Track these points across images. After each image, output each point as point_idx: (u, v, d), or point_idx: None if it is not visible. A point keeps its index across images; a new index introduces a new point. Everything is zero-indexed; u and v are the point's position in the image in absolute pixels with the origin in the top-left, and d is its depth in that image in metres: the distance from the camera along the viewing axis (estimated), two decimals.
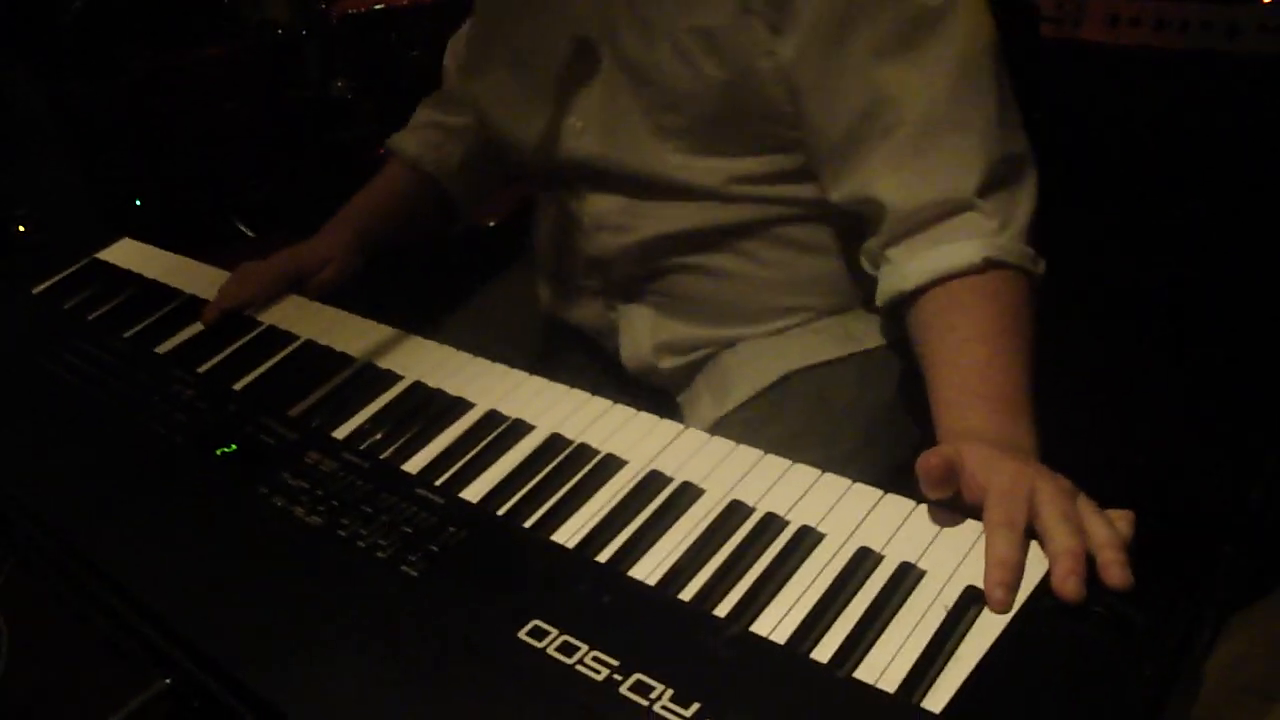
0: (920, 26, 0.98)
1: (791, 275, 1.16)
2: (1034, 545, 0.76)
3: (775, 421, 1.12)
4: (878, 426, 1.13)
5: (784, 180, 1.11)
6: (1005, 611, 0.71)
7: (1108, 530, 0.74)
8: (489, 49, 1.27)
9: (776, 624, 0.73)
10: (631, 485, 0.88)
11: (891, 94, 0.99)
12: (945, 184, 0.99)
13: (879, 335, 1.18)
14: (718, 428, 1.12)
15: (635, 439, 0.93)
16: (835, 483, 0.84)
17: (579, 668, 0.70)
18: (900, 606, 0.73)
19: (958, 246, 0.97)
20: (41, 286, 1.39)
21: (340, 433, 1.00)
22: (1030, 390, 0.92)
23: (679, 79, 1.06)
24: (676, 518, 0.84)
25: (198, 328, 1.22)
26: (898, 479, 0.85)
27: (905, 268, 1.00)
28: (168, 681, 0.85)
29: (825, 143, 1.05)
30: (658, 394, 1.26)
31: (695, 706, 0.66)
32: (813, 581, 0.76)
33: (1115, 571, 0.71)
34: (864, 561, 0.77)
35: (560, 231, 1.25)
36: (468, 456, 0.94)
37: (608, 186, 1.17)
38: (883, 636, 0.71)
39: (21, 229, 2.13)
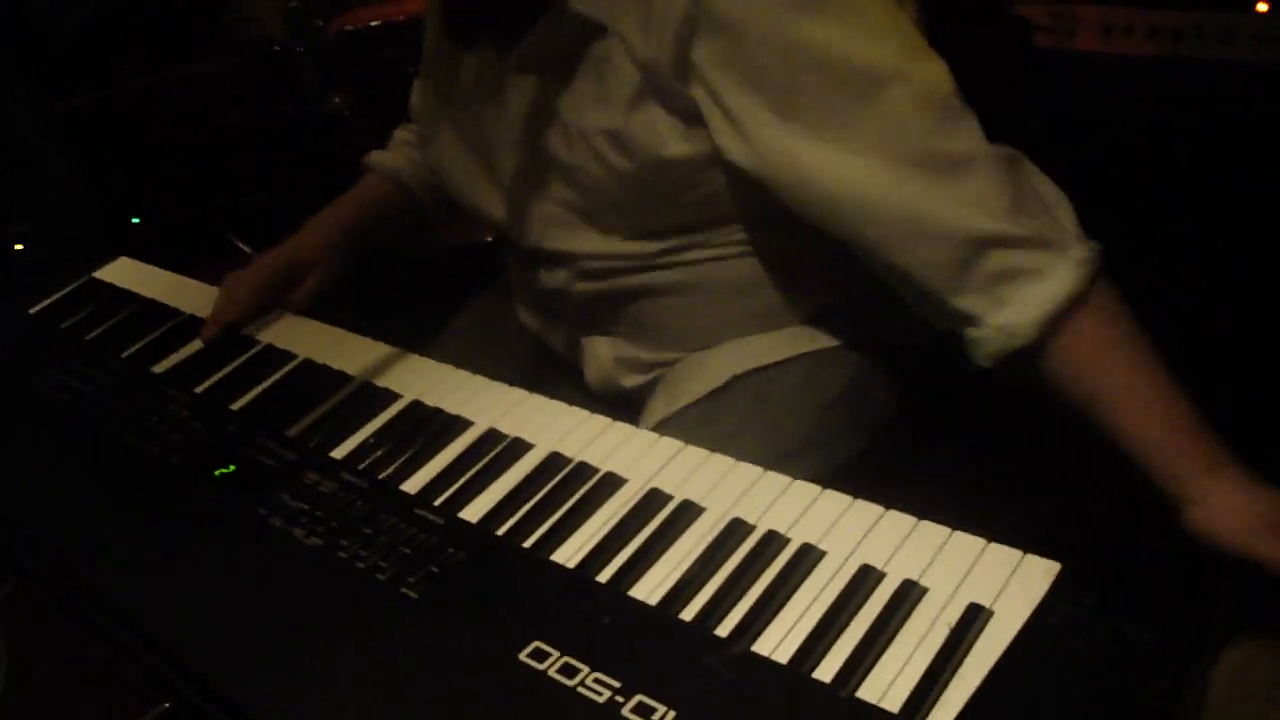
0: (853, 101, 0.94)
1: (751, 299, 1.17)
2: (1031, 558, 0.75)
3: (717, 420, 1.13)
4: (820, 426, 1.14)
5: (723, 234, 1.12)
6: None
7: None
8: (437, 123, 1.29)
9: (778, 643, 0.73)
10: (631, 504, 0.87)
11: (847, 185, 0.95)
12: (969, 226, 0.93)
13: (828, 337, 1.18)
14: (664, 427, 1.13)
15: (634, 457, 0.92)
16: (836, 499, 0.84)
17: (581, 690, 0.70)
18: (903, 625, 0.73)
19: (1047, 282, 0.91)
20: (39, 306, 1.39)
21: (339, 452, 1.00)
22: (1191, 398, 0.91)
23: (595, 175, 1.08)
24: (677, 536, 0.84)
25: (195, 347, 1.21)
26: (837, 479, 0.85)
27: (1006, 321, 0.93)
28: (167, 705, 0.84)
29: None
30: (630, 408, 1.26)
31: None
32: (814, 600, 0.76)
33: None
34: (866, 579, 0.76)
35: (521, 264, 1.28)
36: (467, 476, 0.94)
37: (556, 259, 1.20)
38: (885, 655, 0.71)
39: (19, 247, 2.13)
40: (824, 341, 1.17)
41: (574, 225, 1.15)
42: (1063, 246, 0.92)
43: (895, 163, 0.93)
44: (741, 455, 0.88)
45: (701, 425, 1.12)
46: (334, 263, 1.34)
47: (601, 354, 1.25)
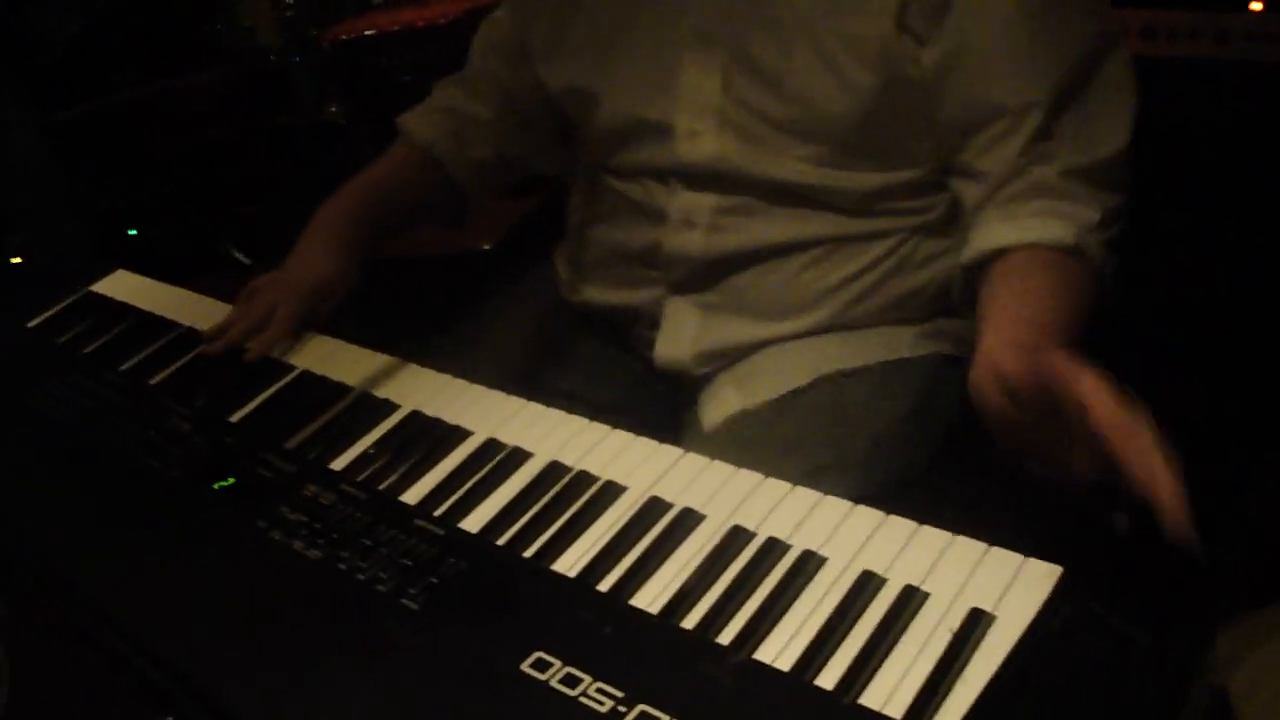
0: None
1: (862, 285, 1.16)
2: (1033, 562, 0.75)
3: (788, 420, 1.11)
4: (887, 438, 1.12)
5: (907, 195, 1.11)
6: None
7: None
8: (567, 31, 1.20)
9: (780, 651, 0.73)
10: (632, 512, 0.87)
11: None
12: (1067, 157, 1.01)
13: (909, 345, 1.17)
14: (739, 419, 1.11)
15: (634, 465, 0.92)
16: (837, 505, 0.84)
17: (583, 699, 0.70)
18: (905, 631, 0.73)
19: (1056, 222, 0.99)
20: (36, 320, 1.39)
21: (338, 464, 1.00)
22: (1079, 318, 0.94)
23: (819, 87, 1.03)
24: (678, 544, 0.83)
25: (194, 360, 1.21)
26: (900, 492, 0.84)
27: (1000, 228, 1.01)
28: (170, 718, 0.84)
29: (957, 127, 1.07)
30: (674, 384, 1.24)
31: None
32: (816, 607, 0.76)
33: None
34: (867, 585, 0.76)
35: (625, 218, 1.21)
36: (467, 486, 0.94)
37: (712, 187, 1.13)
38: (888, 661, 0.71)
39: (16, 260, 2.13)
40: (900, 350, 1.17)
41: (767, 139, 1.08)
42: (1092, 229, 0.99)
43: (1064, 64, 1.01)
44: (805, 460, 0.88)
45: (771, 424, 1.10)
46: (351, 278, 1.25)
47: (684, 329, 1.20)
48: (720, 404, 1.15)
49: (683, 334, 1.20)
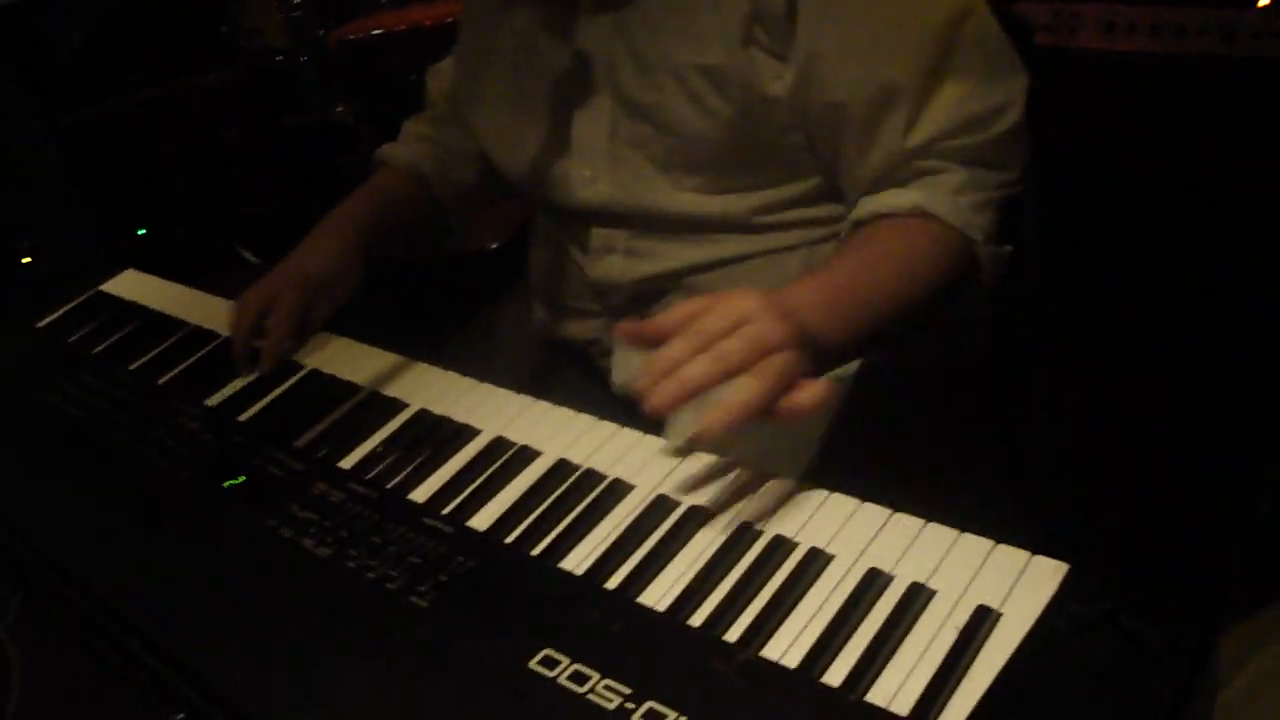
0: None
1: None
2: (1039, 560, 0.75)
3: (743, 438, 1.12)
4: (853, 444, 1.12)
5: (800, 205, 1.12)
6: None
7: (737, 392, 0.78)
8: (482, 85, 1.26)
9: (787, 648, 0.73)
10: (639, 510, 0.88)
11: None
12: (904, 140, 1.03)
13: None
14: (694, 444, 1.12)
15: (642, 463, 0.93)
16: (843, 503, 0.84)
17: (591, 697, 0.70)
18: (911, 628, 0.73)
19: (902, 192, 1.02)
20: (46, 320, 1.40)
21: (347, 462, 1.00)
22: (874, 309, 0.95)
23: (688, 119, 1.06)
24: (684, 542, 0.84)
25: (203, 359, 1.22)
26: (863, 492, 0.85)
27: (858, 209, 1.04)
28: (181, 716, 0.85)
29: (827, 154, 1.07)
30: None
31: None
32: (823, 604, 0.76)
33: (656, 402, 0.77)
34: (874, 583, 0.77)
35: (561, 254, 1.25)
36: (475, 484, 0.94)
37: (620, 222, 1.17)
38: (894, 658, 0.71)
39: (26, 260, 2.14)
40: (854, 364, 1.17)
41: (653, 177, 1.12)
42: (948, 194, 1.01)
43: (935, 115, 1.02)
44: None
45: (727, 439, 1.11)
46: (352, 276, 1.25)
47: (633, 357, 1.19)
48: (678, 430, 1.17)
49: (632, 361, 1.22)
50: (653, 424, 1.19)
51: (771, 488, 0.87)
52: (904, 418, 1.16)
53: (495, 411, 1.03)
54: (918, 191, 1.02)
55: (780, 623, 0.75)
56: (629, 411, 1.21)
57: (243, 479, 0.99)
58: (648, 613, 0.78)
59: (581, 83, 1.13)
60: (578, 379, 1.35)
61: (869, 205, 1.04)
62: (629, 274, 1.18)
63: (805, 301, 0.88)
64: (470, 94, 1.29)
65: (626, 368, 1.24)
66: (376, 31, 2.63)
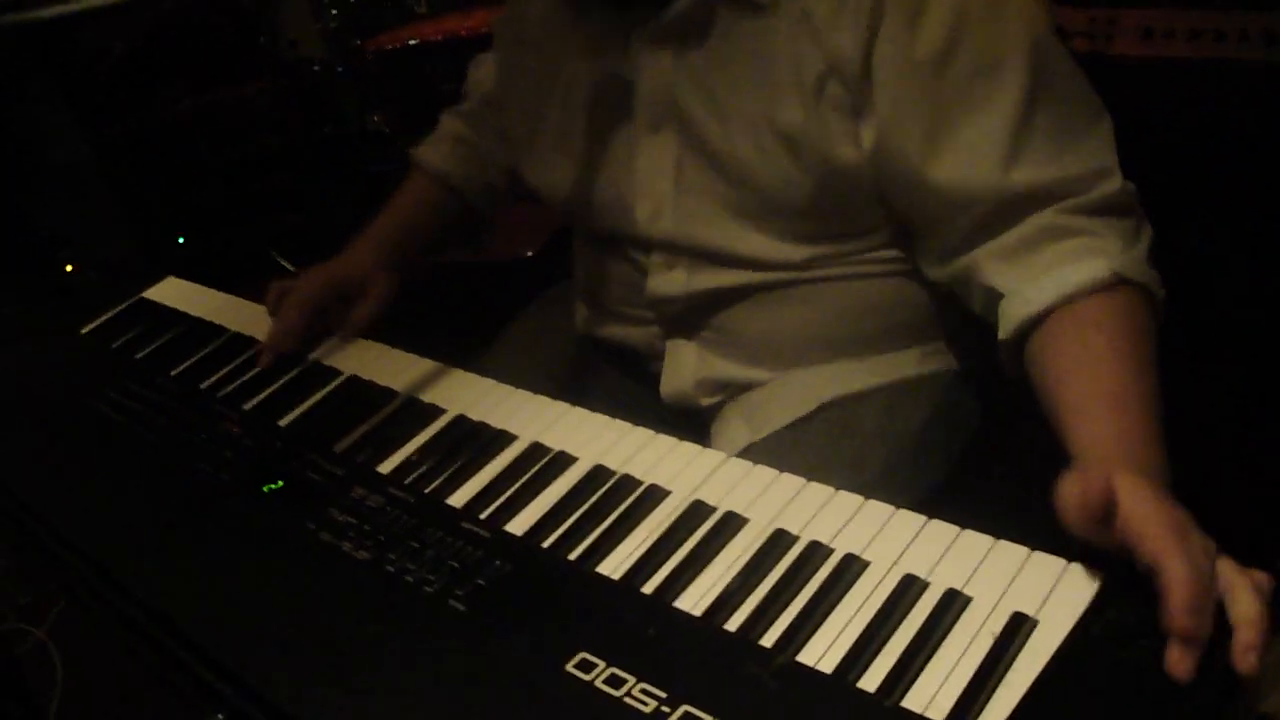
0: (991, 73, 0.96)
1: (854, 324, 1.16)
2: (1075, 566, 0.75)
3: (801, 448, 1.12)
4: (901, 456, 1.12)
5: (869, 249, 1.11)
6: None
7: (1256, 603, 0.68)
8: (538, 130, 1.24)
9: (823, 653, 0.73)
10: (675, 516, 0.88)
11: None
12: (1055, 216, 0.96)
13: (916, 364, 1.17)
14: (746, 455, 1.12)
15: (678, 469, 0.93)
16: (879, 509, 0.84)
17: (627, 700, 0.71)
18: (947, 634, 0.73)
19: (1085, 264, 0.93)
20: (90, 326, 1.42)
21: (385, 467, 1.01)
22: (1159, 413, 0.86)
23: (763, 175, 1.04)
24: (721, 547, 0.84)
25: (243, 365, 1.23)
26: (917, 510, 0.84)
27: (1029, 292, 0.95)
28: (220, 717, 0.86)
29: (916, 226, 1.05)
30: (689, 417, 1.26)
31: None
32: (858, 610, 0.76)
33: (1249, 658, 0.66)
34: (909, 589, 0.77)
35: (612, 265, 1.24)
36: (512, 489, 0.95)
37: (679, 252, 1.16)
38: (930, 664, 0.71)
39: (70, 269, 2.17)
40: (907, 370, 1.17)
41: (720, 220, 1.10)
42: (1119, 253, 0.94)
43: (1039, 162, 0.96)
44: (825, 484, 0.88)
45: (783, 456, 1.10)
46: (390, 283, 1.25)
47: (685, 366, 1.22)
48: (729, 439, 1.17)
49: (684, 369, 1.22)
50: (692, 430, 1.20)
51: (807, 494, 0.87)
52: (925, 434, 1.16)
53: (532, 417, 1.04)
54: (1104, 260, 0.93)
55: (816, 628, 0.75)
56: (670, 414, 1.23)
57: (282, 483, 1.00)
58: (684, 617, 0.78)
59: (640, 118, 1.11)
60: (617, 379, 1.35)
61: (1057, 280, 0.93)
62: (691, 286, 1.16)
63: (1163, 472, 0.81)
64: (520, 133, 1.27)
65: (675, 377, 1.23)
66: (413, 42, 2.65)
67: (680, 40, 1.06)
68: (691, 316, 1.20)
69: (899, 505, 0.84)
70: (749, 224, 1.09)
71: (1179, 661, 0.65)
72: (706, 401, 1.23)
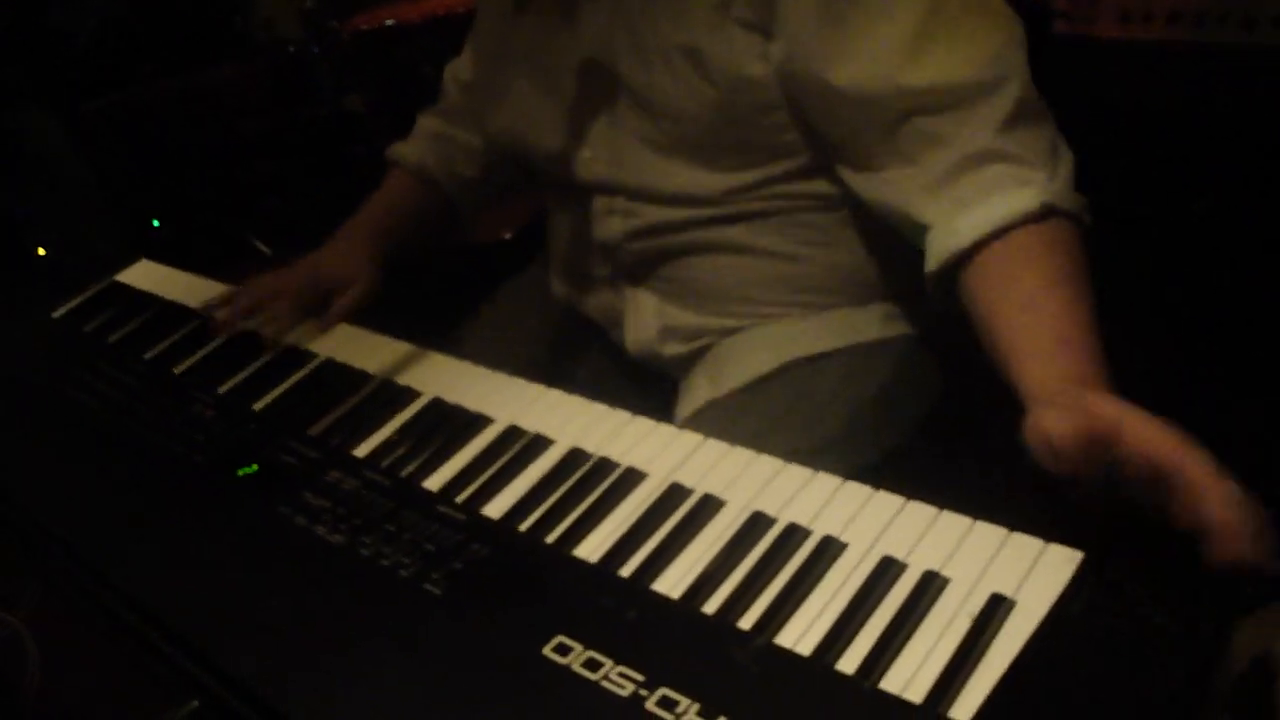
0: None
1: (801, 268, 1.16)
2: (1054, 547, 0.75)
3: (759, 408, 1.13)
4: (857, 421, 1.13)
5: (791, 179, 1.11)
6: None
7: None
8: (492, 78, 1.28)
9: (801, 635, 0.73)
10: (653, 499, 0.87)
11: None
12: (971, 138, 0.95)
13: (878, 327, 1.17)
14: (707, 411, 1.14)
15: (656, 451, 0.92)
16: (857, 491, 0.84)
17: (604, 683, 0.70)
18: (925, 615, 0.73)
19: (1012, 194, 0.92)
20: (61, 310, 1.40)
21: (361, 451, 1.00)
22: (1101, 342, 0.85)
23: (675, 98, 1.06)
24: (698, 530, 0.84)
25: (218, 348, 1.22)
26: (873, 474, 0.84)
27: (956, 223, 0.94)
28: (195, 703, 0.85)
29: (833, 142, 1.05)
30: (663, 381, 1.27)
31: None
32: (837, 592, 0.76)
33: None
34: (888, 571, 0.76)
35: (571, 221, 1.27)
36: (488, 473, 0.94)
37: (615, 192, 1.19)
38: (908, 646, 0.71)
39: (41, 252, 2.15)
40: (868, 334, 1.17)
41: (645, 154, 1.12)
42: (1046, 181, 0.93)
43: (934, 64, 0.95)
44: (778, 447, 0.88)
45: (741, 413, 1.12)
46: (373, 277, 1.25)
47: (646, 315, 1.24)
48: (692, 396, 1.19)
49: (646, 317, 1.24)
50: (666, 396, 1.21)
51: (785, 476, 0.87)
52: (884, 398, 1.16)
53: (508, 399, 1.03)
54: (1033, 189, 0.92)
55: (794, 610, 0.75)
56: (640, 379, 1.22)
57: (256, 467, 0.99)
58: (662, 600, 0.78)
59: (583, 70, 1.14)
60: (594, 352, 1.36)
61: (985, 213, 0.93)
62: (627, 229, 1.19)
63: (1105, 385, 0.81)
64: (488, 89, 1.31)
65: (638, 328, 1.25)
66: (389, 22, 2.62)
67: None
68: (642, 267, 1.21)
69: (853, 468, 0.84)
70: (672, 158, 1.11)
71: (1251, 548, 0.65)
72: (672, 352, 1.24)
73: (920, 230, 0.99)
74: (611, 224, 1.20)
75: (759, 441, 0.91)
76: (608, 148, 1.16)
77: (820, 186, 1.12)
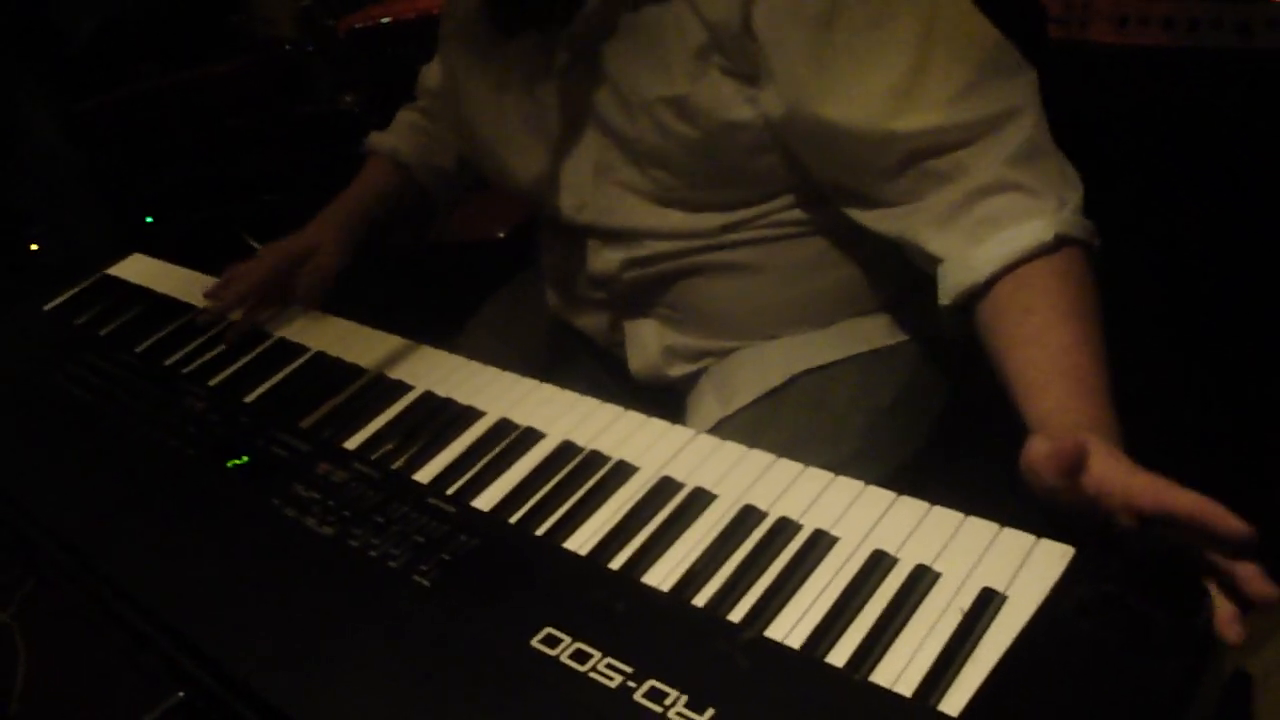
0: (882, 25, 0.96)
1: (804, 287, 1.16)
2: (1045, 542, 0.75)
3: (776, 424, 1.12)
4: (878, 429, 1.12)
5: (788, 208, 1.11)
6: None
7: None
8: (470, 117, 1.27)
9: (791, 628, 0.73)
10: (643, 492, 0.87)
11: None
12: (978, 172, 0.95)
13: (885, 334, 1.17)
14: (720, 430, 1.12)
15: (646, 445, 0.92)
16: (848, 486, 0.84)
17: (592, 675, 0.70)
18: (916, 609, 0.72)
19: (1025, 226, 0.92)
20: (53, 303, 1.40)
21: (351, 443, 1.00)
22: (1109, 375, 0.87)
23: (661, 147, 1.07)
24: (689, 524, 0.83)
25: (208, 341, 1.22)
26: (897, 480, 0.84)
27: (970, 258, 0.94)
28: (182, 694, 0.85)
29: (836, 183, 1.04)
30: (666, 395, 1.26)
31: (710, 712, 0.66)
32: (827, 585, 0.76)
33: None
34: (878, 565, 0.76)
35: (563, 246, 1.26)
36: (479, 465, 0.94)
37: (607, 236, 1.19)
38: (899, 640, 0.70)
39: (35, 247, 2.14)
40: (876, 341, 1.16)
41: (635, 202, 1.12)
42: (1056, 210, 0.93)
43: (930, 108, 0.94)
44: (804, 461, 0.87)
45: (757, 431, 1.10)
46: (340, 248, 1.30)
47: (648, 340, 1.23)
48: (703, 414, 1.17)
49: (648, 344, 1.23)
50: (670, 412, 1.20)
51: (776, 470, 0.87)
52: (901, 404, 1.15)
53: (500, 394, 1.03)
54: (1045, 220, 0.92)
55: (784, 603, 0.75)
56: (642, 395, 1.22)
57: (247, 459, 0.99)
58: (651, 593, 0.78)
59: (563, 121, 1.14)
60: (592, 366, 1.35)
61: (999, 248, 0.92)
62: (623, 265, 1.18)
63: (1116, 431, 0.82)
64: (458, 120, 1.31)
65: (641, 353, 1.24)
66: (385, 20, 2.62)
67: (594, 43, 1.08)
68: (640, 296, 1.21)
69: (881, 477, 0.84)
70: (663, 205, 1.11)
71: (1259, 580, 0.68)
72: (677, 372, 1.23)
73: (932, 261, 0.99)
74: (607, 259, 1.19)
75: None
76: (594, 196, 1.15)
77: (820, 213, 1.11)
